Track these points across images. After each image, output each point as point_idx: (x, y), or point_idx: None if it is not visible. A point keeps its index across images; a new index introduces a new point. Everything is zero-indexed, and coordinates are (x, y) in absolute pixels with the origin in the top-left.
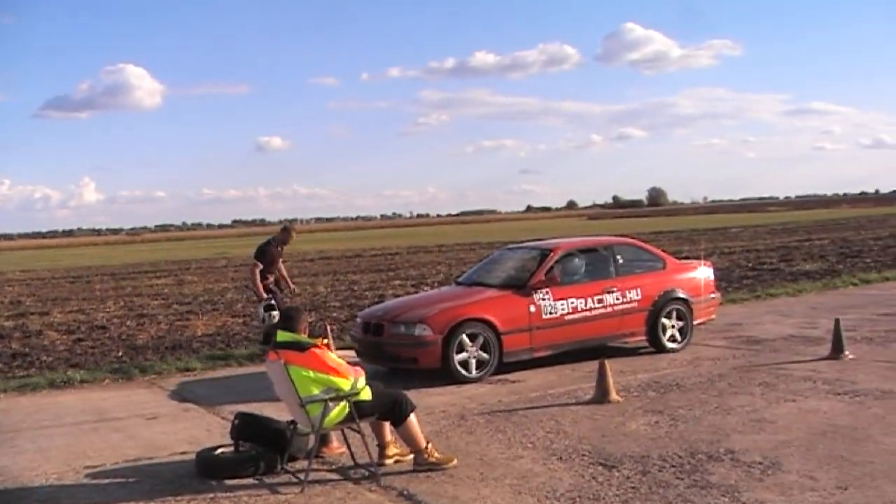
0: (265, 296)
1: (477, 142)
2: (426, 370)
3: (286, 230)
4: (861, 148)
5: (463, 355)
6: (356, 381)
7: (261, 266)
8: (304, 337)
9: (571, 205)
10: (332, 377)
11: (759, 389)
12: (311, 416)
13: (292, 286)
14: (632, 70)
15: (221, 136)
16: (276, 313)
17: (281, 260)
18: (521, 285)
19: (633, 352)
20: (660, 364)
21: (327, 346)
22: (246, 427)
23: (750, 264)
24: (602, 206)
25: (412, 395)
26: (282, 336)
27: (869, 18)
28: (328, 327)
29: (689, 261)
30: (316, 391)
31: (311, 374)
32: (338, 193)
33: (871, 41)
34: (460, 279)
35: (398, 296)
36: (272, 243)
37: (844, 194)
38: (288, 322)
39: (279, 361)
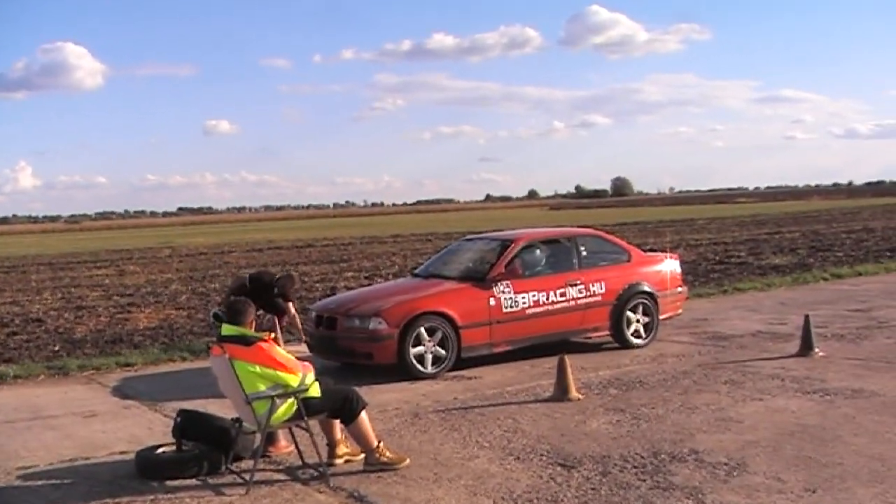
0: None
1: (434, 128)
2: (381, 366)
3: (290, 280)
4: (833, 137)
5: (419, 349)
6: (304, 377)
7: (244, 285)
8: (250, 331)
9: (532, 194)
10: (279, 373)
11: (725, 387)
12: (258, 414)
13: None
14: (596, 54)
15: (167, 119)
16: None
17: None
18: (480, 278)
19: (595, 348)
20: (622, 360)
21: (275, 340)
22: (189, 425)
23: (717, 257)
24: (564, 197)
25: (363, 391)
26: (227, 329)
27: (842, 3)
28: (276, 321)
29: (654, 253)
30: (262, 387)
31: (258, 369)
32: (288, 181)
33: (844, 26)
34: (417, 271)
35: (350, 288)
36: (273, 283)
37: (816, 185)
38: (233, 315)
39: (224, 356)
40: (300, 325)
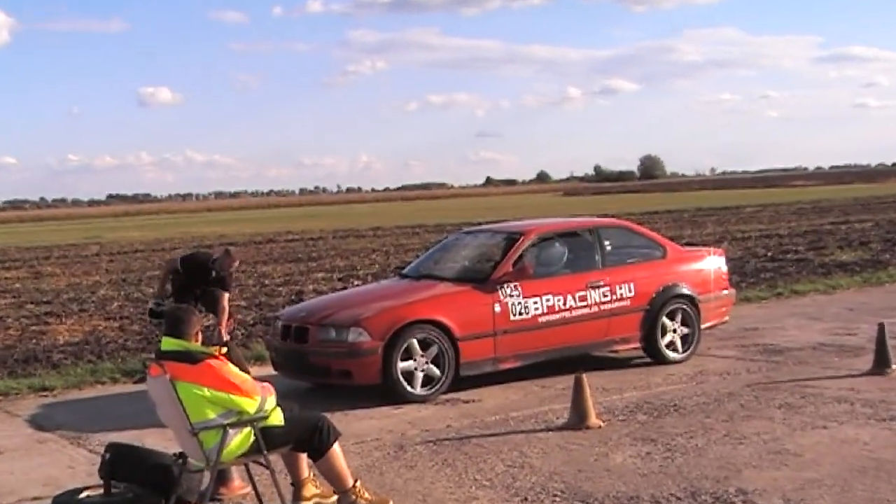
0: (164, 292)
1: (422, 97)
2: (362, 387)
3: (228, 256)
4: None
5: (408, 364)
6: (264, 402)
7: (174, 267)
8: (196, 345)
9: (542, 177)
10: (232, 396)
11: (779, 413)
12: (206, 447)
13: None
14: (619, 5)
15: (92, 86)
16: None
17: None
18: (483, 279)
19: (620, 364)
20: (653, 379)
21: (227, 356)
22: (120, 462)
23: (770, 253)
24: (581, 180)
25: (337, 419)
26: (167, 344)
27: None
28: (224, 332)
29: (695, 248)
30: (212, 415)
31: (206, 392)
32: (244, 162)
33: None
34: (405, 270)
35: (321, 293)
36: (209, 263)
37: (893, 164)
38: (175, 326)
39: (164, 377)
40: (226, 324)
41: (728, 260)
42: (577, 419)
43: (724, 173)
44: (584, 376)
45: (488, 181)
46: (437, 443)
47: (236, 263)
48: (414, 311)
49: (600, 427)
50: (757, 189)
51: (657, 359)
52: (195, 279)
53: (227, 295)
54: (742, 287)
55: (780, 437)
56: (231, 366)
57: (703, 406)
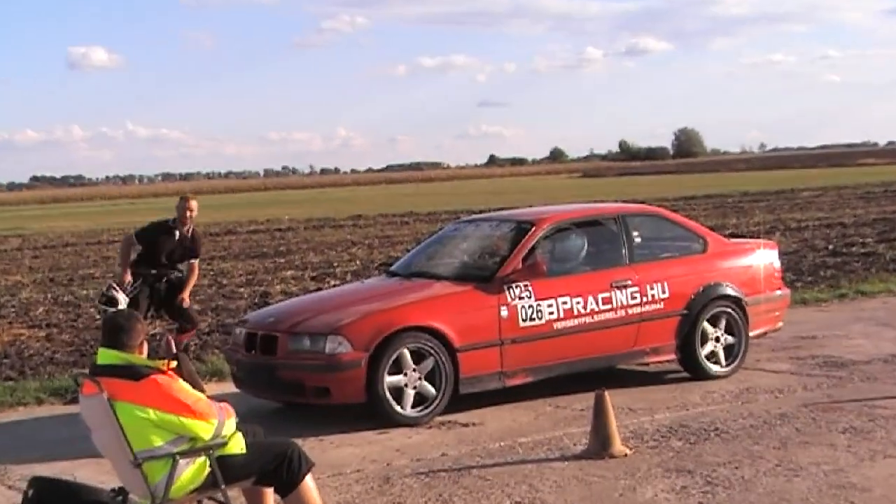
0: (126, 279)
1: (412, 59)
2: (341, 407)
3: (182, 201)
4: None
5: (397, 378)
6: (222, 425)
7: (137, 245)
8: (139, 358)
9: (557, 155)
10: (183, 419)
11: (843, 438)
12: (152, 482)
13: (186, 300)
14: None
15: (10, 44)
16: (120, 307)
17: (189, 254)
18: (486, 277)
19: (650, 379)
20: (690, 398)
21: (177, 371)
22: (46, 500)
23: (831, 246)
24: (604, 158)
25: (310, 446)
26: (105, 357)
27: None
28: (173, 342)
29: (742, 240)
30: (159, 441)
31: (152, 414)
32: (198, 137)
33: None
34: (394, 267)
35: (291, 294)
36: (170, 224)
37: None
38: (114, 335)
39: (100, 396)
40: (189, 307)
41: (781, 254)
42: (599, 446)
43: (775, 150)
44: (607, 394)
45: (492, 160)
46: (431, 474)
47: (192, 203)
48: (404, 316)
49: (626, 455)
50: (816, 169)
51: (696, 373)
52: (155, 253)
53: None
54: (797, 287)
55: (844, 467)
56: (182, 382)
57: (750, 430)
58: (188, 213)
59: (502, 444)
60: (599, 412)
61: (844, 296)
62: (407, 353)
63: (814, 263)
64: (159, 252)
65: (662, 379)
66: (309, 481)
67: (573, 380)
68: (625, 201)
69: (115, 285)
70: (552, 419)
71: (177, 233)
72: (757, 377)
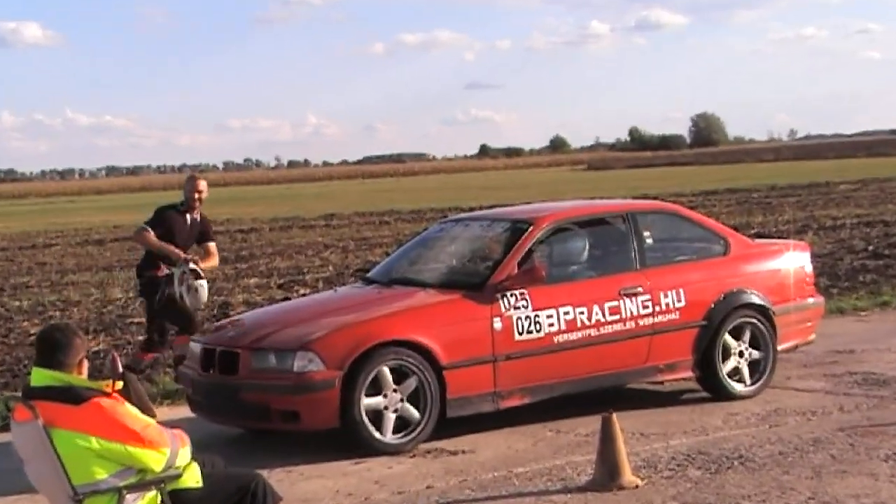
0: (181, 255)
1: (391, 35)
2: (312, 433)
3: (189, 181)
4: None
5: (376, 400)
6: (175, 455)
7: (150, 232)
8: (80, 378)
9: (558, 145)
10: (130, 448)
11: (885, 467)
12: None
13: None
14: None
15: None
16: (203, 284)
17: (201, 239)
18: (478, 284)
19: (664, 399)
20: (710, 421)
21: (123, 393)
22: None
23: (871, 247)
24: (612, 147)
25: (277, 477)
26: (40, 377)
27: None
28: (119, 360)
29: (769, 241)
30: (103, 474)
31: (94, 443)
32: (146, 125)
33: None
34: (372, 273)
35: (255, 305)
36: (177, 208)
37: None
38: (50, 352)
39: (35, 423)
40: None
41: (814, 257)
42: (606, 476)
43: (806, 137)
44: (615, 417)
45: (483, 151)
46: None
47: (201, 184)
48: (383, 330)
49: (637, 487)
50: (854, 159)
51: (717, 392)
52: (172, 241)
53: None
54: (833, 294)
55: (887, 500)
56: (129, 406)
57: (779, 458)
58: (197, 195)
59: (496, 474)
60: (607, 438)
61: (887, 304)
62: (387, 371)
63: (851, 267)
64: (175, 239)
65: (678, 399)
66: None
67: (577, 401)
68: (635, 197)
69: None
70: (553, 446)
71: (188, 217)
72: (787, 397)
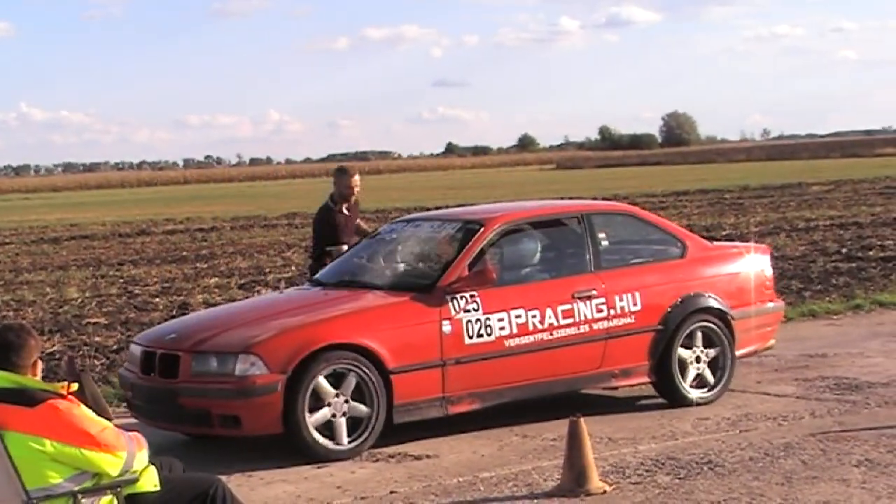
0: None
1: (356, 30)
2: (257, 439)
3: (341, 176)
4: None
5: (323, 414)
6: (132, 458)
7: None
8: (33, 380)
9: (527, 143)
10: (86, 451)
11: (857, 473)
12: None
13: None
14: None
15: None
16: None
17: (358, 224)
18: (427, 286)
19: (632, 405)
20: (679, 426)
21: (78, 395)
22: None
23: (845, 250)
24: (581, 146)
25: (236, 482)
26: None
27: None
28: (75, 361)
29: (726, 244)
30: (57, 478)
31: (49, 446)
32: (104, 120)
33: None
34: (320, 275)
35: (211, 306)
36: (332, 206)
37: None
38: (3, 352)
39: None
40: None
41: (786, 259)
42: (574, 482)
43: (779, 138)
44: (583, 421)
45: (450, 149)
46: None
47: (356, 179)
48: (328, 333)
49: (605, 492)
50: (828, 160)
51: (672, 398)
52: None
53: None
54: (805, 297)
55: None
56: (84, 409)
57: (749, 463)
58: (350, 191)
59: (461, 479)
60: (574, 443)
61: (860, 307)
62: (322, 380)
63: (824, 270)
64: (341, 236)
65: (647, 404)
66: None
67: (543, 405)
68: (605, 198)
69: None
70: (519, 451)
71: (344, 210)
72: (757, 402)
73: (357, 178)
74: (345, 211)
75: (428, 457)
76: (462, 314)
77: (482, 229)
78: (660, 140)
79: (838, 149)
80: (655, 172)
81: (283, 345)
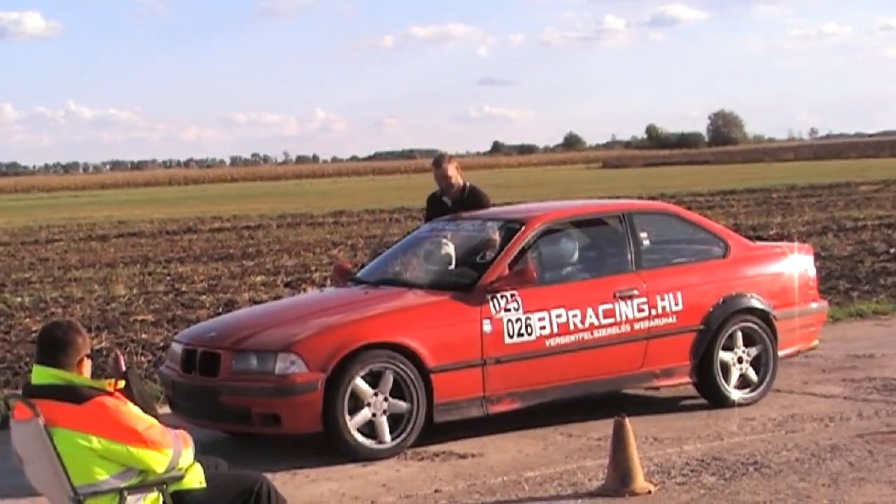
0: None
1: (401, 29)
2: (296, 437)
3: (432, 165)
4: None
5: (364, 415)
6: (178, 456)
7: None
8: (81, 377)
9: (573, 142)
10: (132, 448)
11: None
12: None
13: None
14: None
15: None
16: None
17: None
18: (467, 285)
19: (678, 404)
20: (725, 426)
21: (125, 393)
22: None
23: (893, 249)
24: (627, 145)
25: (281, 480)
26: (41, 376)
27: None
28: (122, 358)
29: (769, 244)
30: (104, 475)
31: (95, 442)
32: (151, 118)
33: None
34: (360, 273)
35: (258, 303)
36: (437, 194)
37: None
38: (51, 350)
39: (35, 421)
40: None
41: (832, 258)
42: (619, 482)
43: (827, 137)
44: (628, 421)
45: (496, 147)
46: None
47: (442, 168)
48: (369, 331)
49: (650, 493)
50: (876, 159)
51: (714, 399)
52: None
53: None
54: (853, 297)
55: None
56: (131, 406)
57: (795, 465)
58: (444, 180)
59: (505, 478)
60: (619, 442)
61: None
62: (360, 382)
63: (872, 270)
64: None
65: (693, 404)
66: None
67: (588, 405)
68: (651, 197)
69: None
70: (564, 450)
71: (445, 199)
72: (804, 402)
73: (446, 167)
74: (445, 200)
75: (473, 456)
76: (502, 313)
77: (523, 228)
78: (707, 139)
79: (887, 148)
80: (702, 171)
81: (323, 343)
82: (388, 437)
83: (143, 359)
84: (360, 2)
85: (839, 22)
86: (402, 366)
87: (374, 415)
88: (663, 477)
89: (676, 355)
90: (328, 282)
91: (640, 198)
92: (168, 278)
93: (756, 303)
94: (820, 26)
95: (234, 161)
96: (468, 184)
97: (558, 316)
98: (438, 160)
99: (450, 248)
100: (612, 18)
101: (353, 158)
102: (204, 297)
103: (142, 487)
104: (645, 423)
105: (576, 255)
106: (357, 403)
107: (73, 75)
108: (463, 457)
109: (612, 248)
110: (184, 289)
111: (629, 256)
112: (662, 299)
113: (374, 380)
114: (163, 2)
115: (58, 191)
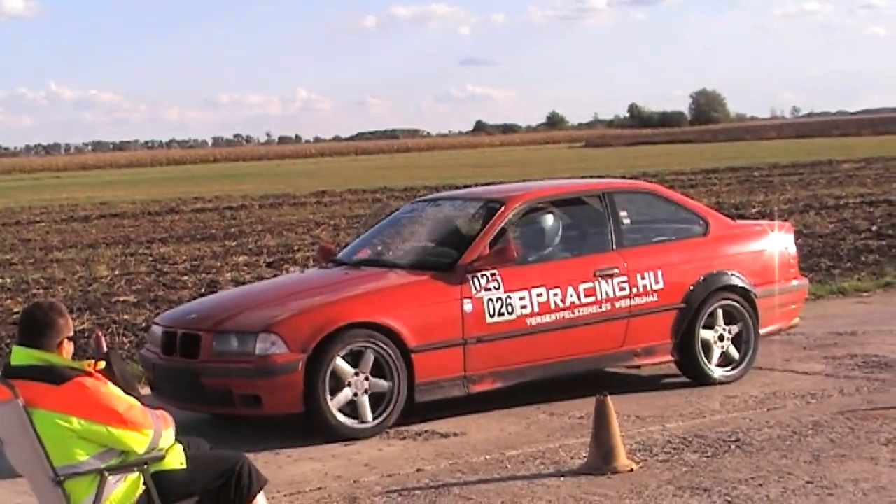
0: None
1: (383, 9)
2: (277, 418)
3: None
4: None
5: (344, 394)
6: (158, 436)
7: None
8: (62, 358)
9: (556, 121)
10: (113, 429)
11: (886, 451)
12: (76, 502)
13: None
14: None
15: None
16: None
17: None
18: (448, 265)
19: (660, 382)
20: (707, 404)
21: (106, 373)
22: None
23: (875, 227)
24: (610, 124)
25: (263, 460)
26: (20, 356)
27: None
28: (103, 339)
29: (750, 222)
30: (84, 455)
31: (76, 423)
32: (134, 99)
33: None
34: (341, 254)
35: (240, 284)
36: None
37: None
38: (32, 330)
39: (15, 402)
40: None
41: (815, 237)
42: (601, 459)
43: (809, 115)
44: (610, 399)
45: (479, 127)
46: (405, 493)
47: None
48: (349, 312)
49: (632, 470)
50: (858, 137)
51: (696, 376)
52: None
53: None
54: (835, 275)
55: (887, 485)
56: (112, 386)
57: (777, 441)
58: None
59: (488, 457)
60: (601, 420)
61: (890, 285)
62: (340, 361)
63: (854, 247)
64: None
65: (675, 382)
66: (261, 501)
67: (570, 383)
68: (633, 176)
69: None
70: (546, 429)
71: None
72: (785, 380)
73: None
74: None
75: (455, 434)
76: (483, 293)
77: (503, 208)
78: (689, 118)
79: (868, 126)
80: (685, 150)
81: (303, 324)
82: (369, 417)
83: (125, 339)
84: None
85: (821, 0)
86: (382, 345)
87: (355, 394)
88: (645, 455)
89: (658, 334)
90: (311, 262)
91: (622, 177)
92: (150, 259)
93: (737, 281)
94: (802, 4)
95: (217, 141)
96: None
97: (539, 295)
98: None
99: (431, 228)
100: None
101: (336, 138)
102: (186, 277)
103: (122, 468)
104: (627, 402)
105: (556, 235)
106: (338, 383)
107: (54, 56)
108: (445, 436)
109: (593, 227)
110: (166, 269)
111: (609, 235)
112: (643, 278)
113: (354, 360)
114: None
115: (39, 172)
